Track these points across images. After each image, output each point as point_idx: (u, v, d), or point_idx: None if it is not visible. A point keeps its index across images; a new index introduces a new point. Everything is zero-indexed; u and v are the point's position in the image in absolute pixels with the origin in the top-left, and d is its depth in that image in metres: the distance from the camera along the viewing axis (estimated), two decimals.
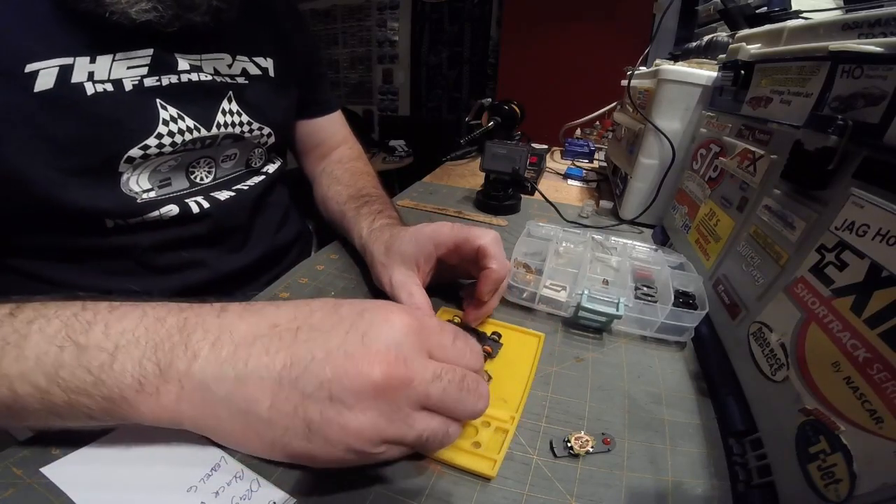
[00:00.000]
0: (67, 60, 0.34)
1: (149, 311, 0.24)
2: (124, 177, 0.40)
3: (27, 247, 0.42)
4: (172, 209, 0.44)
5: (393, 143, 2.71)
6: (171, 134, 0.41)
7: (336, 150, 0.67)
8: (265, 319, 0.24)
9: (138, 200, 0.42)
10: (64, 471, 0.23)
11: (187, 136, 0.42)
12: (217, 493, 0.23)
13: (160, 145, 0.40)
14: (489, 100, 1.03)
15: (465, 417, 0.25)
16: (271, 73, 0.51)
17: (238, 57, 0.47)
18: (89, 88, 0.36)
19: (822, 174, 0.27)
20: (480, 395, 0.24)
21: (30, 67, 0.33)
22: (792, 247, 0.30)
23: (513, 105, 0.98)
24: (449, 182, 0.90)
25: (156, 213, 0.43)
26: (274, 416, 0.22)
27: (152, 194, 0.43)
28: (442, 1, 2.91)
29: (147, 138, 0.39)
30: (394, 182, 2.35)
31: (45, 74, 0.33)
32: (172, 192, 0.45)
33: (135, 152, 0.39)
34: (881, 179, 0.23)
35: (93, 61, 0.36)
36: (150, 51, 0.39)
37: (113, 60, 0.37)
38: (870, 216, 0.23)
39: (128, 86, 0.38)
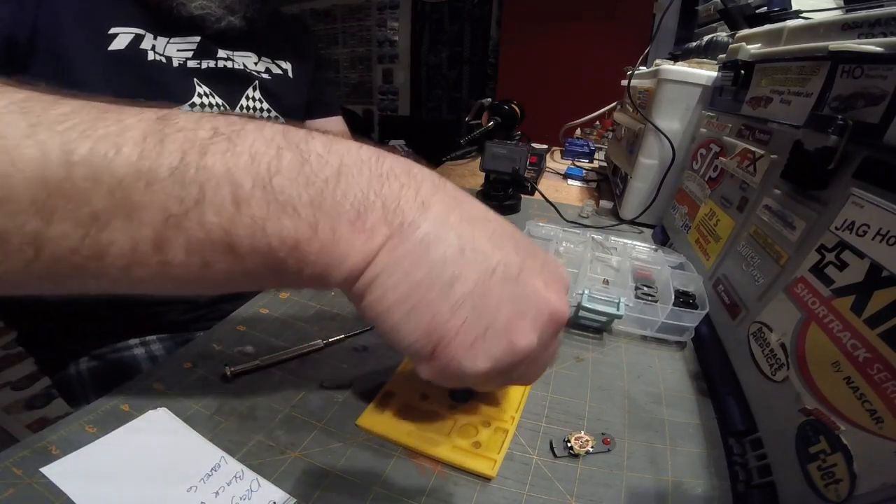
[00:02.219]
0: (140, 31, 0.45)
1: (361, 146, 0.21)
2: None
3: None
4: None
5: (393, 143, 2.71)
6: (202, 106, 0.50)
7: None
8: (481, 211, 0.22)
9: None
10: (64, 471, 0.23)
11: (215, 111, 0.49)
12: (217, 493, 0.23)
13: None
14: (489, 100, 1.03)
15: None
16: (290, 75, 0.60)
17: (263, 57, 0.57)
18: (150, 55, 0.45)
19: (822, 174, 0.27)
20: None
21: (113, 30, 0.43)
22: (792, 247, 0.30)
23: (513, 105, 0.97)
24: None
25: None
26: (465, 302, 0.19)
27: None
28: (442, 1, 2.91)
29: (183, 105, 0.48)
30: None
31: (122, 38, 0.43)
32: None
33: None
34: (881, 179, 0.23)
35: (155, 38, 0.46)
36: (198, 39, 0.49)
37: (168, 42, 0.47)
38: (870, 216, 0.23)
39: (175, 63, 0.47)
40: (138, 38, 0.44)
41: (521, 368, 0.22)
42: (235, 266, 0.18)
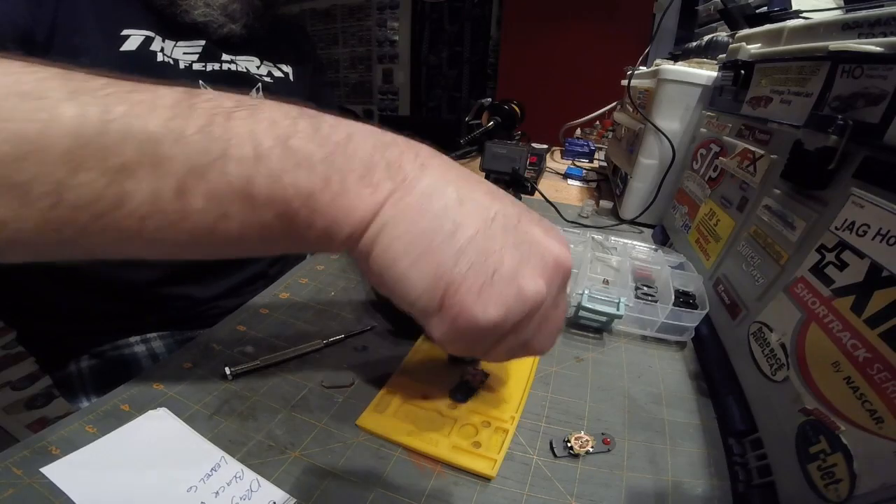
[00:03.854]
0: (150, 34, 0.46)
1: (366, 125, 0.23)
2: None
3: None
4: None
5: None
6: None
7: None
8: (475, 175, 0.24)
9: None
10: (64, 471, 0.23)
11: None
12: (217, 493, 0.23)
13: None
14: (489, 100, 1.03)
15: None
16: (290, 78, 0.62)
17: (265, 62, 0.59)
18: (159, 57, 0.47)
19: (822, 174, 0.27)
20: None
21: (125, 31, 0.45)
22: (792, 247, 0.30)
23: (513, 105, 0.98)
24: None
25: None
26: (469, 248, 0.20)
27: None
28: (442, 1, 2.91)
29: None
30: None
31: (134, 39, 0.45)
32: None
33: None
34: (881, 179, 0.23)
35: (163, 41, 0.48)
36: (203, 42, 0.51)
37: (175, 45, 0.49)
38: (870, 216, 0.23)
39: (182, 65, 0.49)
40: (148, 40, 0.46)
41: (533, 324, 0.22)
42: (250, 218, 0.20)
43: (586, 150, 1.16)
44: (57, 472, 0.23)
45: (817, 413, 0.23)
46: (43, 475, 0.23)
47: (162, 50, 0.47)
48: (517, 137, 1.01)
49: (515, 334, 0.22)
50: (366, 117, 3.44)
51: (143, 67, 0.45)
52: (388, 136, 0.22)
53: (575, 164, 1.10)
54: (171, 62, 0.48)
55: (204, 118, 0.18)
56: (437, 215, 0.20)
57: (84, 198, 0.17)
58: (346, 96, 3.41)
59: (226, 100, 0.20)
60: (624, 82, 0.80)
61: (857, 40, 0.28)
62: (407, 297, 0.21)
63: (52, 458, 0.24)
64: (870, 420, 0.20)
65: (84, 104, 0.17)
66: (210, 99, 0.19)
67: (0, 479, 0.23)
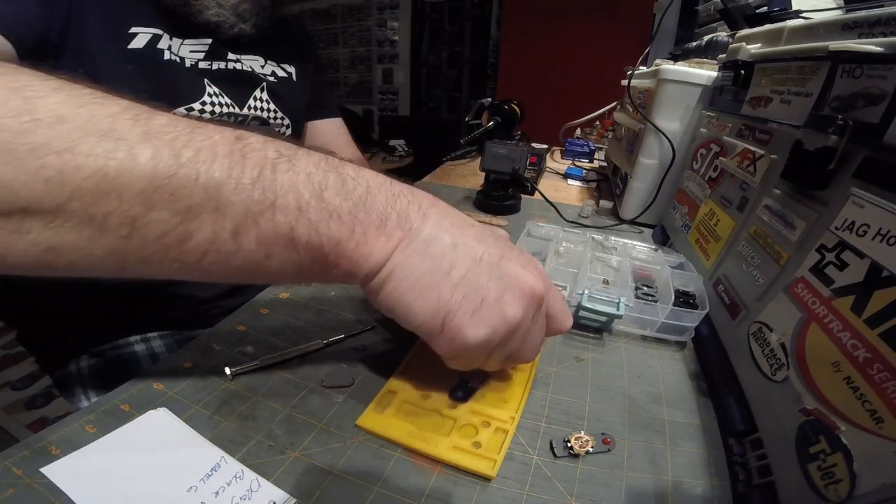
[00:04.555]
0: (158, 31, 0.47)
1: (377, 173, 0.27)
2: None
3: None
4: None
5: (393, 142, 2.71)
6: (212, 104, 0.52)
7: (339, 154, 0.71)
8: (466, 219, 0.28)
9: None
10: (64, 471, 0.23)
11: (224, 110, 0.53)
12: (217, 493, 0.23)
13: (202, 111, 0.51)
14: (489, 100, 1.03)
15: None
16: (294, 78, 0.63)
17: (269, 61, 0.60)
18: (166, 55, 0.48)
19: (822, 174, 0.27)
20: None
21: (133, 29, 0.45)
22: (792, 247, 0.30)
23: (513, 105, 0.97)
24: (449, 182, 0.90)
25: None
26: (462, 283, 0.25)
27: None
28: (442, 1, 2.91)
29: (193, 103, 0.50)
30: None
31: (141, 37, 0.46)
32: None
33: (181, 111, 0.47)
34: (881, 179, 0.23)
35: (171, 39, 0.48)
36: (209, 41, 0.52)
37: (182, 43, 0.50)
38: (870, 216, 0.23)
39: (188, 63, 0.50)
40: (156, 38, 0.47)
41: (516, 340, 0.26)
42: (290, 258, 0.23)
43: (586, 150, 1.16)
44: (57, 472, 0.23)
45: (817, 413, 0.23)
46: (43, 475, 0.23)
47: (169, 48, 0.48)
48: (517, 137, 1.01)
49: (502, 348, 0.26)
50: (365, 117, 3.44)
51: (150, 66, 0.46)
52: (397, 188, 0.26)
53: (575, 164, 1.10)
54: (178, 60, 0.49)
55: (256, 169, 0.21)
56: (436, 258, 0.25)
57: (154, 233, 0.20)
58: (346, 96, 3.41)
59: (268, 148, 0.22)
60: (624, 82, 0.80)
61: (857, 40, 0.28)
62: (413, 323, 0.25)
63: (52, 458, 0.24)
64: (870, 420, 0.20)
65: (157, 147, 0.19)
66: (256, 148, 0.22)
67: (0, 479, 0.23)
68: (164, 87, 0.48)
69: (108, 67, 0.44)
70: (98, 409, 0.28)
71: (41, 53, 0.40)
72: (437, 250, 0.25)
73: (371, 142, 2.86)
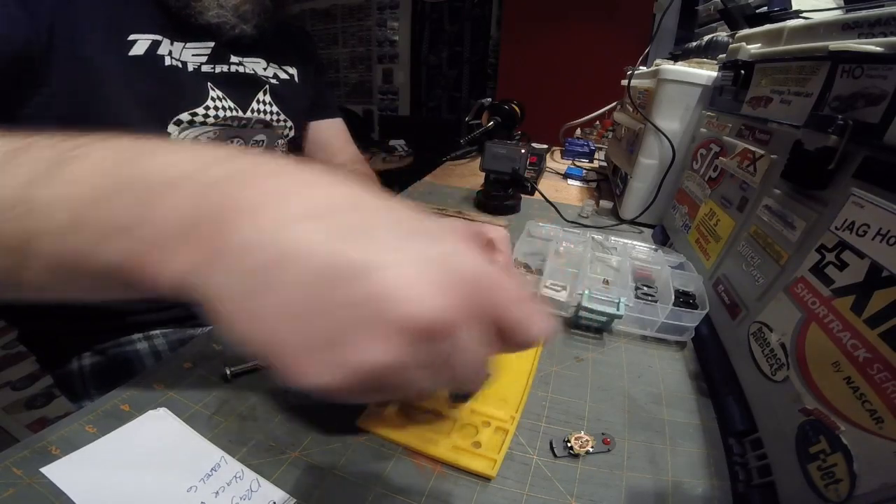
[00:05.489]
0: (157, 37, 0.46)
1: (197, 153, 0.21)
2: (171, 136, 0.49)
3: None
4: None
5: (393, 142, 2.71)
6: (215, 108, 0.52)
7: (339, 155, 0.73)
8: (342, 200, 0.20)
9: None
10: (64, 471, 0.23)
11: (228, 113, 0.53)
12: (217, 493, 0.23)
13: (205, 115, 0.51)
14: (489, 100, 1.03)
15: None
16: (296, 80, 0.63)
17: (271, 63, 0.60)
18: (167, 61, 0.47)
19: (822, 174, 0.27)
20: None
21: (132, 36, 0.45)
22: (792, 247, 0.30)
23: (513, 105, 0.98)
24: (449, 182, 0.90)
25: None
26: (286, 311, 0.17)
27: None
28: (442, 1, 2.91)
29: (197, 108, 0.50)
30: (394, 182, 2.34)
31: (141, 43, 0.45)
32: None
33: (184, 116, 0.49)
34: (881, 179, 0.23)
35: (171, 43, 0.48)
36: (212, 44, 0.51)
37: (184, 47, 0.49)
38: (870, 216, 0.23)
39: (190, 67, 0.49)
40: (155, 44, 0.46)
41: (414, 380, 0.18)
42: (81, 281, 0.21)
43: (586, 150, 1.16)
44: (57, 472, 0.23)
45: (817, 413, 0.23)
46: (43, 475, 0.23)
47: (170, 53, 0.47)
48: (517, 137, 1.01)
49: (378, 392, 0.18)
50: (365, 117, 3.44)
51: (151, 72, 0.46)
52: (213, 173, 0.19)
53: (575, 164, 1.10)
54: (180, 65, 0.48)
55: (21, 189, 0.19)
56: (249, 276, 0.17)
57: None
58: (346, 96, 3.41)
59: (40, 161, 0.20)
60: (624, 82, 0.80)
61: (857, 40, 0.28)
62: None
63: (52, 458, 0.24)
64: (870, 420, 0.20)
65: None
66: (24, 163, 0.20)
67: (0, 479, 0.23)
68: (167, 93, 0.48)
69: (110, 76, 0.44)
70: (98, 409, 0.28)
71: (27, 65, 0.39)
72: (251, 265, 0.17)
73: (371, 142, 2.86)
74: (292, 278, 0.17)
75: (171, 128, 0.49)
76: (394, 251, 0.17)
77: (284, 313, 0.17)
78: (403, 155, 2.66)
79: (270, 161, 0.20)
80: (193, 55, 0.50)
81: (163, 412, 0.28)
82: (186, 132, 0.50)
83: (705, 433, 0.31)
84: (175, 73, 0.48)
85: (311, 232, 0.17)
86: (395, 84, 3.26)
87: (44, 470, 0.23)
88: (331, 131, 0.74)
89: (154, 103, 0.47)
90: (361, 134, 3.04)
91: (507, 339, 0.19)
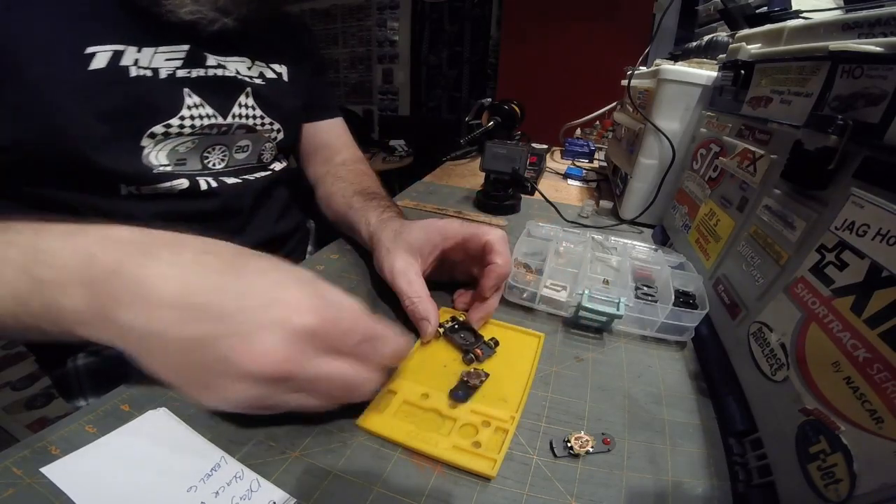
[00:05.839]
0: (119, 47, 0.42)
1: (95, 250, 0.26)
2: (146, 150, 0.46)
3: (48, 200, 0.44)
4: (183, 183, 0.48)
5: (393, 142, 2.71)
6: (192, 118, 0.48)
7: (339, 155, 0.71)
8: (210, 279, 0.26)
9: (154, 171, 0.46)
10: (64, 471, 0.24)
11: (206, 122, 0.49)
12: (217, 493, 0.23)
13: (181, 126, 0.47)
14: (489, 100, 1.03)
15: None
16: (285, 78, 0.58)
17: (257, 62, 0.55)
18: (133, 72, 0.43)
19: (822, 174, 0.27)
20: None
21: (90, 49, 0.40)
22: (792, 247, 0.30)
23: (513, 105, 0.98)
24: (449, 182, 0.90)
25: (167, 184, 0.47)
26: (170, 365, 0.24)
27: (168, 168, 0.48)
28: (442, 1, 2.91)
29: (171, 119, 0.46)
30: (394, 182, 2.35)
31: (101, 57, 0.41)
32: (186, 170, 0.49)
33: (158, 129, 0.45)
34: (881, 179, 0.23)
35: (139, 51, 0.43)
36: (187, 47, 0.46)
37: (155, 52, 0.44)
38: (870, 216, 0.23)
39: (163, 74, 0.45)
40: (118, 55, 0.42)
41: (277, 404, 0.25)
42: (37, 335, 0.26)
43: (586, 150, 1.16)
44: (57, 472, 0.23)
45: (817, 413, 0.23)
46: (43, 475, 0.23)
47: (136, 62, 0.43)
48: (517, 137, 1.01)
49: (269, 409, 0.25)
50: (365, 117, 3.44)
51: (115, 86, 0.42)
52: (100, 265, 0.25)
53: (575, 164, 1.10)
54: (150, 73, 0.44)
55: None
56: (138, 341, 0.25)
57: None
58: (346, 96, 3.42)
59: None
60: (624, 82, 0.80)
61: (857, 40, 0.28)
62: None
63: (52, 458, 0.24)
64: (870, 420, 0.20)
65: None
66: None
67: (0, 479, 0.23)
68: (135, 107, 0.44)
69: (68, 95, 0.40)
70: (98, 409, 0.28)
71: None
72: (137, 338, 0.25)
73: (371, 142, 2.87)
74: (164, 347, 0.24)
75: (146, 141, 0.45)
76: (237, 324, 0.23)
77: (170, 365, 0.25)
78: (403, 155, 2.66)
79: (142, 246, 0.26)
80: (166, 60, 0.45)
81: (163, 412, 0.28)
82: (162, 144, 0.47)
83: (705, 433, 0.31)
84: (144, 84, 0.44)
85: (168, 319, 0.24)
86: (395, 84, 3.27)
87: (44, 470, 0.23)
88: (331, 131, 0.72)
89: (121, 119, 0.43)
90: (361, 134, 3.04)
91: (364, 362, 0.26)
